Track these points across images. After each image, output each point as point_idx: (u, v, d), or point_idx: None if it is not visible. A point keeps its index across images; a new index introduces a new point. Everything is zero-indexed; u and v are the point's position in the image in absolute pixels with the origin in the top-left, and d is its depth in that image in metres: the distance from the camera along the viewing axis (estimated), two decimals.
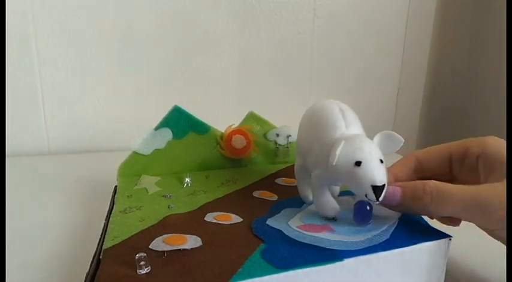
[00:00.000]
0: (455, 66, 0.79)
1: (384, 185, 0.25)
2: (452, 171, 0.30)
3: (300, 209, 0.31)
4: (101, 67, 0.62)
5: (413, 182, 0.27)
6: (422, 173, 0.31)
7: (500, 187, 0.24)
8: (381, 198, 0.25)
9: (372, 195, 0.25)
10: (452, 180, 0.30)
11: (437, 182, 0.26)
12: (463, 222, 0.28)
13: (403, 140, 0.27)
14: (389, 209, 0.28)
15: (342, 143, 0.25)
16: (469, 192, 0.25)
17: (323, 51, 0.71)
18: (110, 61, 0.62)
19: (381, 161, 0.25)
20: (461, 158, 0.29)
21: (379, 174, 0.25)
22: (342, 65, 0.73)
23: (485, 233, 0.28)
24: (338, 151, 0.25)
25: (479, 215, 0.25)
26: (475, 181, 0.28)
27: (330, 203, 0.28)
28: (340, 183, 0.28)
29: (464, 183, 0.26)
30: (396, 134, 0.27)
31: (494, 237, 0.27)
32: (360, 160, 0.25)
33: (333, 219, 0.29)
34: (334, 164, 0.25)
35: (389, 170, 0.30)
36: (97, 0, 0.59)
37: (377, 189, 0.24)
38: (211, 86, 0.68)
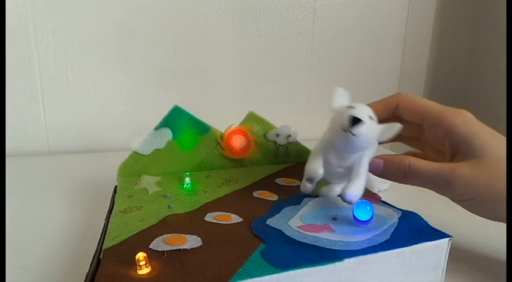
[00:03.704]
0: (455, 66, 0.79)
1: (361, 120, 0.28)
2: (423, 130, 0.33)
3: (300, 207, 0.31)
4: (101, 67, 0.62)
5: (392, 156, 0.31)
6: (399, 118, 0.34)
7: (462, 167, 0.28)
8: (354, 131, 0.28)
9: (346, 124, 0.28)
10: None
11: (412, 158, 0.30)
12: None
13: (401, 126, 0.30)
14: (376, 176, 0.32)
15: (344, 91, 0.31)
16: (436, 170, 0.29)
17: (323, 51, 0.71)
18: (110, 61, 0.62)
19: (370, 117, 0.29)
20: (432, 126, 0.32)
21: (361, 112, 0.28)
22: (341, 65, 0.73)
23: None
24: (336, 94, 0.31)
25: (443, 190, 0.29)
26: (441, 151, 0.32)
27: (315, 164, 0.31)
28: (335, 142, 0.30)
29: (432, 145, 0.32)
30: (396, 123, 0.30)
31: (461, 206, 0.30)
32: (352, 106, 0.29)
33: (314, 196, 0.32)
34: (333, 104, 0.30)
35: (371, 105, 0.33)
36: (97, 0, 0.59)
37: (354, 120, 0.28)
38: (211, 86, 0.68)
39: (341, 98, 0.31)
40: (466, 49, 0.77)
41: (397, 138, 0.37)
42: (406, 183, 0.31)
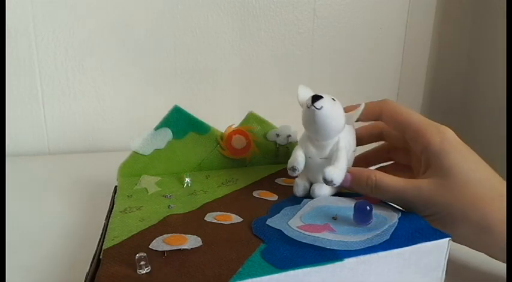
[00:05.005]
0: (455, 66, 0.79)
1: (321, 96, 0.31)
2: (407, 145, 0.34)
3: (300, 208, 0.31)
4: (101, 67, 0.62)
5: (361, 170, 0.32)
6: (384, 139, 0.37)
7: (425, 185, 0.29)
8: (316, 105, 0.30)
9: (309, 101, 0.31)
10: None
11: (379, 174, 0.31)
12: None
13: (363, 105, 0.32)
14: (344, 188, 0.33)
15: (305, 87, 0.35)
16: (400, 187, 0.29)
17: (323, 51, 0.71)
18: (110, 61, 0.62)
19: (333, 99, 0.32)
20: (411, 140, 0.32)
21: (320, 93, 0.31)
22: (341, 65, 0.73)
23: None
24: (299, 90, 0.35)
25: (406, 206, 0.30)
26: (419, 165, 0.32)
27: (294, 154, 0.33)
28: (307, 126, 0.33)
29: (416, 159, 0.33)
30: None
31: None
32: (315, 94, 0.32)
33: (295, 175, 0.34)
34: (298, 99, 0.34)
35: (353, 106, 0.33)
36: (97, 0, 0.59)
37: (314, 97, 0.31)
38: (211, 86, 0.68)
39: (305, 93, 0.34)
40: (467, 49, 0.77)
41: (388, 154, 0.38)
42: (375, 197, 0.32)
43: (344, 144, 0.32)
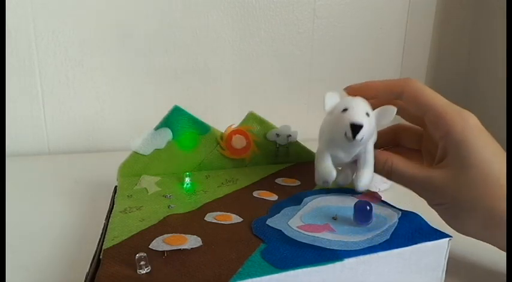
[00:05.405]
0: (455, 66, 0.79)
1: (362, 125, 0.28)
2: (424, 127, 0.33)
3: (300, 208, 0.31)
4: (101, 67, 0.62)
5: (379, 153, 0.32)
6: (400, 115, 0.35)
7: (438, 174, 0.29)
8: (358, 137, 0.28)
9: (349, 132, 0.28)
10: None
11: (396, 159, 0.31)
12: None
13: (396, 109, 0.30)
14: None
15: (333, 93, 0.31)
16: (415, 174, 0.30)
17: (323, 51, 0.71)
18: (110, 61, 0.62)
19: (367, 114, 0.29)
20: (431, 124, 0.30)
21: (359, 116, 0.28)
22: (341, 65, 0.73)
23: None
24: (326, 99, 0.30)
25: (419, 193, 0.30)
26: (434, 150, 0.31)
27: (327, 167, 0.31)
28: (338, 146, 0.31)
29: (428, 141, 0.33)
30: (390, 106, 0.31)
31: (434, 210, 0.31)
32: (346, 107, 0.29)
33: (328, 185, 0.32)
34: (326, 109, 0.31)
35: (373, 83, 0.32)
36: (97, 0, 0.59)
37: (354, 127, 0.28)
38: (211, 86, 0.68)
39: (332, 102, 0.31)
40: (467, 49, 0.77)
41: (396, 137, 0.37)
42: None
43: (371, 145, 0.32)
